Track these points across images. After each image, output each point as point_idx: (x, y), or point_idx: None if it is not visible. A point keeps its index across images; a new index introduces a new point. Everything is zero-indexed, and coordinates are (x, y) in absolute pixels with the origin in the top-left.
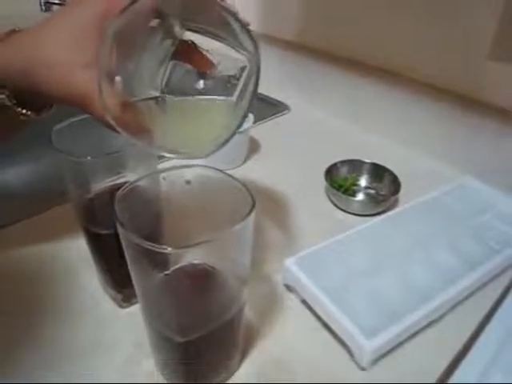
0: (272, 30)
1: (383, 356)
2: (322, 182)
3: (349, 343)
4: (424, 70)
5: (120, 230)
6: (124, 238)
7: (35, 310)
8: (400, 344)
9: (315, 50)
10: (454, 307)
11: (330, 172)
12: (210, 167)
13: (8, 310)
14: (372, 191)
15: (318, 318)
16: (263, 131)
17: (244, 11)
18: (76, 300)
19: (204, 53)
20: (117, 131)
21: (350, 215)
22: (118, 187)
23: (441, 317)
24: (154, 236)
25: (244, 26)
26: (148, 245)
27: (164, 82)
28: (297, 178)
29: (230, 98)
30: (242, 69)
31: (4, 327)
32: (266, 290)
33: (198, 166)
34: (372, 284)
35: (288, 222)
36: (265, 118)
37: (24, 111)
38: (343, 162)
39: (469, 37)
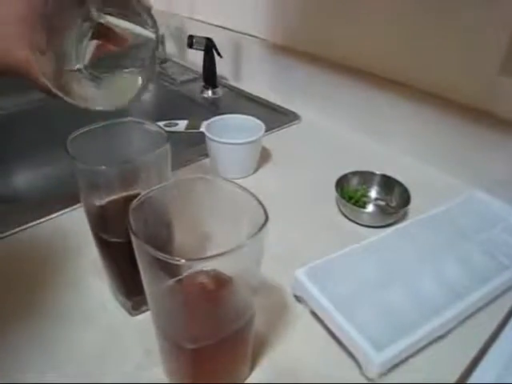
0: (284, 40)
1: (392, 369)
2: (332, 193)
3: (357, 355)
4: (435, 83)
5: (134, 241)
6: (138, 248)
7: (45, 314)
8: (408, 357)
9: (327, 60)
10: (463, 321)
11: (341, 183)
12: (224, 178)
13: (19, 314)
14: (382, 203)
15: (327, 329)
16: (274, 141)
17: (255, 20)
18: (86, 306)
19: (117, 31)
20: (54, 94)
21: (359, 226)
22: (131, 196)
23: (450, 330)
24: (167, 245)
25: (146, 9)
26: (162, 256)
27: (86, 59)
28: (307, 188)
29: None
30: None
31: (16, 330)
32: (276, 300)
33: (210, 177)
34: (381, 296)
35: (298, 231)
36: (276, 128)
37: None
38: (354, 173)
39: (481, 51)
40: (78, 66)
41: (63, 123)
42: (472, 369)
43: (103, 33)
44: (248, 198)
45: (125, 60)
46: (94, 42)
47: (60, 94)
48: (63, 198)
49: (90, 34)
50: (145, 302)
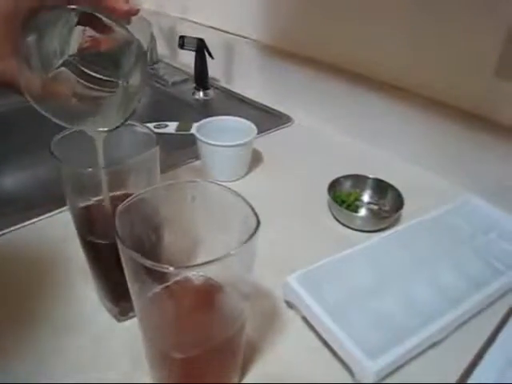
0: (276, 41)
1: (385, 377)
2: (324, 197)
3: (350, 364)
4: (431, 87)
5: (120, 246)
6: (124, 254)
7: (30, 320)
8: (402, 365)
9: (320, 62)
10: (458, 327)
11: (333, 186)
12: (215, 182)
13: (3, 320)
14: (375, 207)
15: (319, 335)
16: (266, 143)
17: (246, 21)
18: (72, 311)
19: (103, 19)
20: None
21: (352, 231)
22: (117, 198)
23: (445, 337)
24: (155, 249)
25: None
26: (150, 264)
27: (72, 47)
28: (299, 192)
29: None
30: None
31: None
32: (267, 306)
33: (201, 181)
34: (375, 303)
35: (290, 236)
36: (268, 130)
37: None
38: (347, 177)
39: (477, 54)
40: (63, 59)
41: (53, 123)
42: (468, 374)
43: (87, 20)
44: (239, 203)
45: (113, 59)
46: (79, 29)
47: (44, 112)
48: (51, 199)
49: (75, 22)
50: (132, 309)
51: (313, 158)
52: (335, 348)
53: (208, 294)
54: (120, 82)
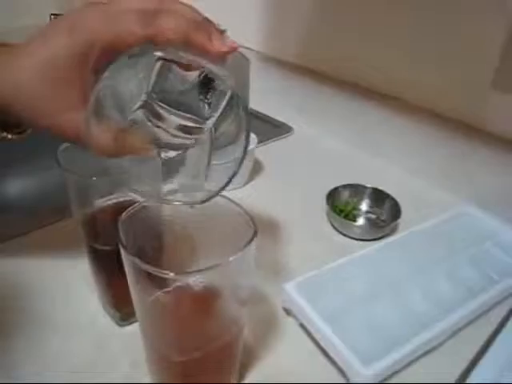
0: (277, 51)
1: (380, 382)
2: (323, 206)
3: (346, 370)
4: (428, 98)
5: (123, 253)
6: (127, 261)
7: (32, 324)
8: (397, 371)
9: (320, 73)
10: (452, 335)
11: (332, 196)
12: None
13: (5, 324)
14: (372, 216)
15: (316, 342)
16: (266, 152)
17: (248, 32)
18: (74, 317)
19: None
20: None
21: (350, 240)
22: (121, 204)
23: (439, 345)
24: (156, 257)
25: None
26: (151, 269)
27: (151, 85)
28: (298, 201)
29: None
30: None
31: (2, 340)
32: (265, 313)
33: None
34: (371, 310)
35: (288, 244)
36: (268, 139)
37: (5, 134)
38: (345, 186)
39: (473, 66)
40: (141, 99)
41: None
42: (464, 378)
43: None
44: (238, 211)
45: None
46: (159, 63)
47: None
48: (53, 208)
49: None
50: (134, 314)
51: (312, 167)
52: (331, 354)
53: (207, 300)
54: (205, 127)
